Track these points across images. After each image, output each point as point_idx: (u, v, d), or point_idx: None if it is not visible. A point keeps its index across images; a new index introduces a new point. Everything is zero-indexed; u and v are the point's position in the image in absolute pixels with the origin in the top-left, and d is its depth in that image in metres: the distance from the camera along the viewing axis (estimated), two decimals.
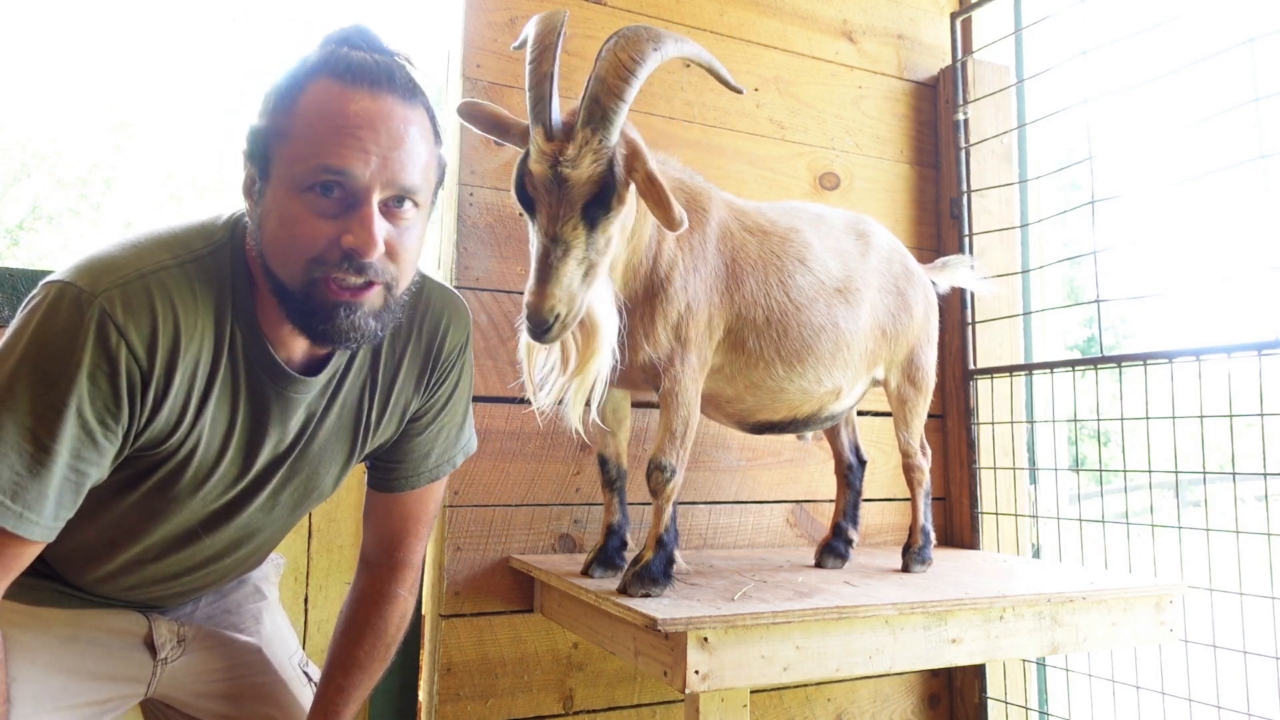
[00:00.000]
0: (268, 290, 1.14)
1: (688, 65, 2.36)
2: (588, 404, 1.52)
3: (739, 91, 1.53)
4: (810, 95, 2.52)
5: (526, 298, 1.37)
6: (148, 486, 1.18)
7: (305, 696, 1.49)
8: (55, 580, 1.30)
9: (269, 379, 1.20)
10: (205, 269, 1.14)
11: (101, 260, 1.08)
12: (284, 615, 1.61)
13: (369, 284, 1.11)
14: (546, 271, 1.36)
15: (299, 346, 1.22)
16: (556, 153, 1.37)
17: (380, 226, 1.09)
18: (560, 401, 1.53)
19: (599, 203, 1.38)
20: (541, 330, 1.37)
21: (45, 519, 1.05)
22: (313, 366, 1.25)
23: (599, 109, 1.36)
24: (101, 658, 1.33)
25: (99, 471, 1.10)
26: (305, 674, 1.54)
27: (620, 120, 1.38)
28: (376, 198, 1.09)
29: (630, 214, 1.50)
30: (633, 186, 1.44)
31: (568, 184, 1.37)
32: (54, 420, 1.03)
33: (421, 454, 1.41)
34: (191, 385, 1.13)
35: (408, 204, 1.12)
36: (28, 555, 1.08)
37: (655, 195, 1.38)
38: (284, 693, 1.47)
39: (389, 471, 1.41)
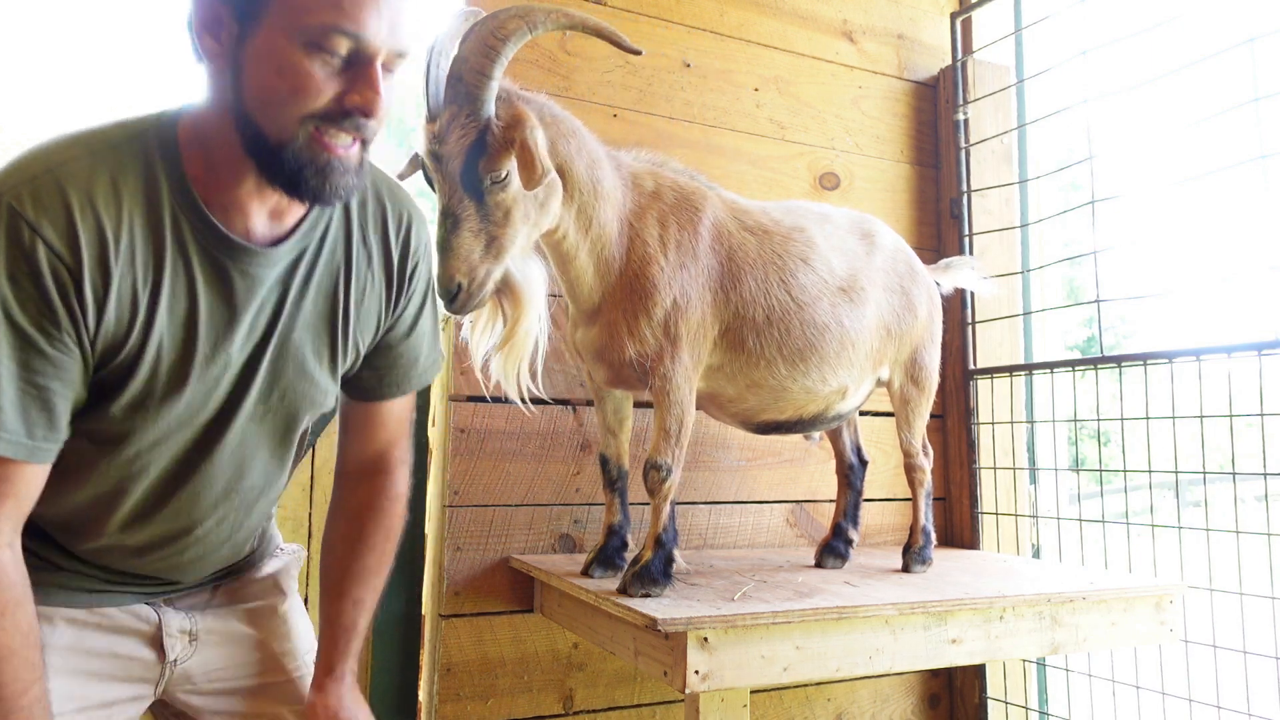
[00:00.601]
0: (240, 149, 1.11)
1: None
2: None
3: (636, 53, 1.53)
4: (810, 95, 2.52)
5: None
6: (125, 402, 1.15)
7: None
8: (62, 571, 1.28)
9: (226, 257, 1.17)
10: (123, 156, 1.11)
11: (9, 165, 1.07)
12: (303, 611, 1.56)
13: (354, 140, 1.12)
14: (444, 245, 1.45)
15: (260, 217, 1.19)
16: (431, 132, 1.45)
17: (383, 87, 1.10)
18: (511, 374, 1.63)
19: (472, 172, 1.44)
20: (448, 301, 1.46)
21: (13, 434, 1.04)
22: (277, 241, 1.22)
23: (462, 86, 1.43)
24: (110, 658, 1.31)
25: (67, 389, 1.08)
26: None
27: (487, 95, 1.43)
28: (381, 59, 1.10)
29: (544, 188, 1.53)
30: (551, 171, 1.48)
31: (442, 159, 1.45)
32: None
33: (411, 358, 1.43)
34: (135, 277, 1.11)
35: (398, 64, 1.14)
36: (19, 479, 1.07)
37: (522, 159, 1.43)
38: (299, 693, 1.46)
39: (382, 378, 1.41)
